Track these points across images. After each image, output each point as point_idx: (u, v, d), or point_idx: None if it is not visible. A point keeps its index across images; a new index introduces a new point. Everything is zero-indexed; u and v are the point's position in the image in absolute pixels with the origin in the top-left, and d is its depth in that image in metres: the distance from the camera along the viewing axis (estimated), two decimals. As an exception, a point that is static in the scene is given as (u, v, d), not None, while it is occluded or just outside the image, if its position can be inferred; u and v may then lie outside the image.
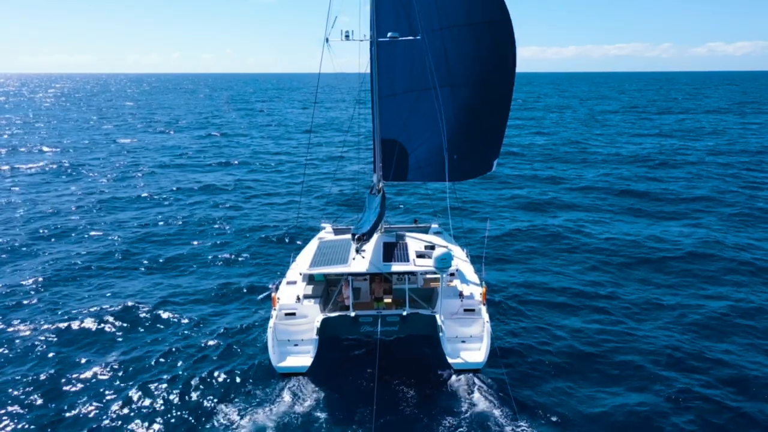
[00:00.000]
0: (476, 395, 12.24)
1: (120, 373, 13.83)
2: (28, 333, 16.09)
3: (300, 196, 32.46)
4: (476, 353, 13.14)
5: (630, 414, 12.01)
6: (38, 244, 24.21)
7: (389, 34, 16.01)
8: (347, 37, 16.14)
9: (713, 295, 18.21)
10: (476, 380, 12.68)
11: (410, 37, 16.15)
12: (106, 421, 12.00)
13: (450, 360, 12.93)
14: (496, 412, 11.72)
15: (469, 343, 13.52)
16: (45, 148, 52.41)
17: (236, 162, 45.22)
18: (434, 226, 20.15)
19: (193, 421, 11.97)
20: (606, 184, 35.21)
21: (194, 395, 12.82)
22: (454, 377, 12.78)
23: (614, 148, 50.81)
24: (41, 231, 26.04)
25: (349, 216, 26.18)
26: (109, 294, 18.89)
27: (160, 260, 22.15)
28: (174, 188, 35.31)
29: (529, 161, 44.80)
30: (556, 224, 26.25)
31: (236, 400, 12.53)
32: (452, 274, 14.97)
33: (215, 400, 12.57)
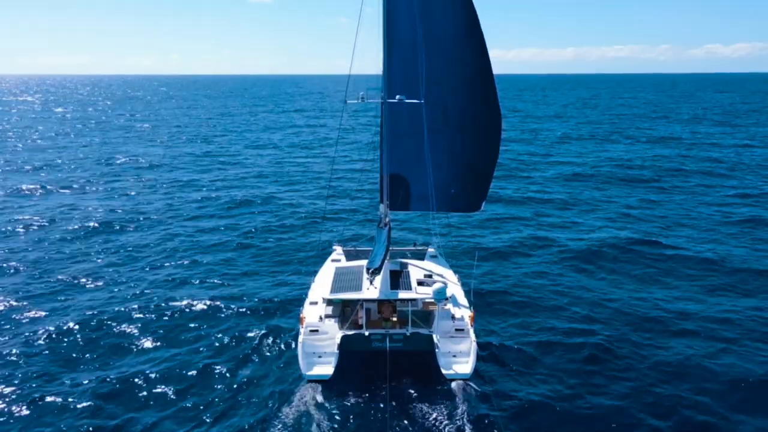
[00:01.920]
0: (464, 399, 15.53)
1: (160, 373, 17.13)
2: (90, 338, 19.38)
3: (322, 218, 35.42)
4: (465, 366, 16.44)
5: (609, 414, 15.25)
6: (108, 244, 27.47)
7: (397, 97, 19.28)
8: (362, 99, 19.46)
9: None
10: (464, 387, 15.98)
11: (415, 101, 19.41)
12: (148, 421, 15.17)
13: (444, 371, 16.22)
14: (480, 413, 15.02)
15: (459, 357, 16.82)
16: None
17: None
18: (430, 250, 23.51)
19: (232, 417, 15.25)
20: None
21: (234, 395, 16.20)
22: (446, 385, 16.09)
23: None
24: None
25: (354, 231, 29.55)
26: (148, 299, 22.19)
27: (207, 262, 25.44)
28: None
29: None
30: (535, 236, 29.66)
31: (270, 401, 15.81)
32: (447, 298, 18.25)
33: (253, 401, 15.88)
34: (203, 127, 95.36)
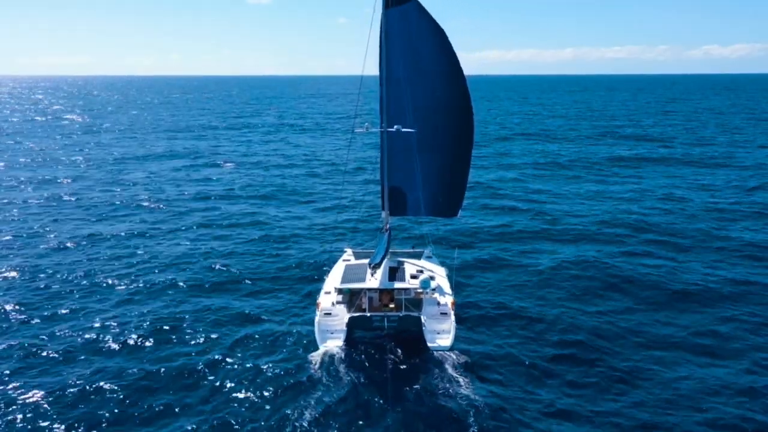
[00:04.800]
0: (444, 366, 20.16)
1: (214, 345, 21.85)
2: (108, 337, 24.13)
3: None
4: (446, 340, 21.09)
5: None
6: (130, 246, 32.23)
7: (395, 127, 23.89)
8: (367, 128, 24.15)
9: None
10: (445, 356, 20.62)
11: (410, 130, 23.99)
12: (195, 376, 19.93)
13: (429, 344, 20.89)
14: (456, 375, 19.65)
15: (442, 334, 21.47)
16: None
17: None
18: (426, 251, 28.19)
19: (259, 379, 19.92)
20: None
21: (265, 361, 20.94)
22: (431, 354, 20.73)
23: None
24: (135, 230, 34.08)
25: (360, 237, 34.21)
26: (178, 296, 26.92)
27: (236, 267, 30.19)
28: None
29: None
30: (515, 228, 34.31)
31: (291, 366, 20.51)
32: (433, 290, 22.97)
33: (278, 366, 20.57)
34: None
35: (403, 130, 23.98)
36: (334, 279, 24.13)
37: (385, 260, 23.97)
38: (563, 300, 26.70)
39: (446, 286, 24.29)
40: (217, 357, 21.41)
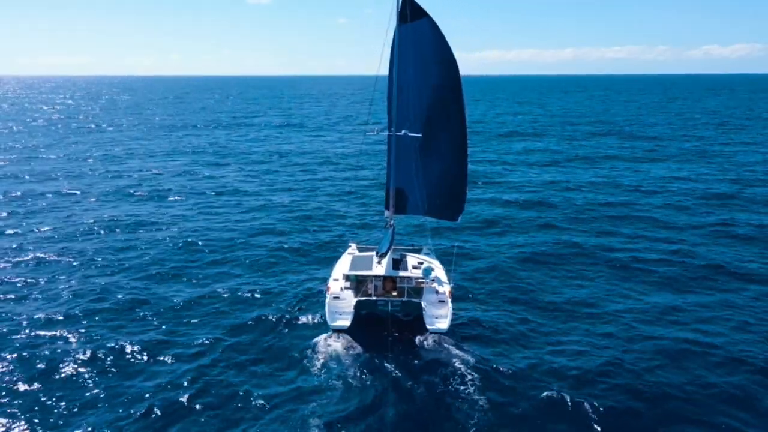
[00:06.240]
0: (442, 346, 22.62)
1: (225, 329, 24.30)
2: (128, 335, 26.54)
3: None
4: (443, 324, 23.50)
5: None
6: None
7: (403, 131, 26.33)
8: (377, 131, 26.64)
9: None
10: (442, 339, 23.07)
11: (417, 134, 26.40)
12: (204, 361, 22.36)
13: (428, 327, 23.30)
14: (452, 355, 22.11)
15: (440, 318, 23.89)
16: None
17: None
18: (425, 248, 30.63)
19: (279, 355, 22.39)
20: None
21: (281, 339, 23.45)
22: (429, 336, 23.17)
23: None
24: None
25: (364, 234, 36.69)
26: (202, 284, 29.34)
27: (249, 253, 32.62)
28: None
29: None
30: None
31: (306, 342, 22.97)
32: (432, 279, 25.44)
33: (294, 341, 23.04)
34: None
35: (410, 134, 26.41)
36: (342, 267, 26.55)
37: (390, 252, 26.41)
38: (552, 276, 29.36)
39: (444, 276, 26.74)
40: (226, 336, 24.04)
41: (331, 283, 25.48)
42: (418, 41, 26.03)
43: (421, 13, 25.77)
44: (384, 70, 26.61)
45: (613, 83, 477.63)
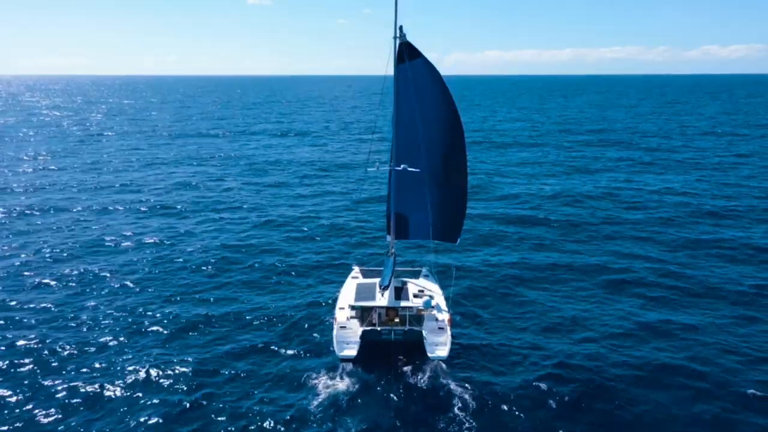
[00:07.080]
0: (441, 372, 24.06)
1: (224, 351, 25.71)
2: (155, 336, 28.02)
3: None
4: (443, 351, 24.93)
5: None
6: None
7: (402, 166, 27.71)
8: (378, 167, 28.02)
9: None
10: (442, 365, 24.49)
11: (416, 169, 27.79)
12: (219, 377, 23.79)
13: (429, 354, 24.73)
14: (450, 380, 23.54)
15: (439, 345, 25.32)
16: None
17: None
18: (424, 269, 32.05)
19: (281, 381, 23.85)
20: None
21: (288, 365, 24.90)
22: (430, 363, 24.58)
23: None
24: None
25: (366, 253, 38.18)
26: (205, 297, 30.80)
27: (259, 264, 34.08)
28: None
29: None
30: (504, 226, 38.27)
31: (313, 372, 24.39)
32: (433, 308, 26.87)
33: (302, 370, 24.47)
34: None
35: (410, 169, 27.80)
36: (347, 295, 28.00)
37: (392, 281, 27.85)
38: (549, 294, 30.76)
39: (443, 303, 28.16)
40: (228, 360, 25.78)
41: (337, 313, 26.91)
42: (416, 79, 27.42)
43: (416, 54, 27.15)
44: (383, 111, 28.01)
45: (613, 84, 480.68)
